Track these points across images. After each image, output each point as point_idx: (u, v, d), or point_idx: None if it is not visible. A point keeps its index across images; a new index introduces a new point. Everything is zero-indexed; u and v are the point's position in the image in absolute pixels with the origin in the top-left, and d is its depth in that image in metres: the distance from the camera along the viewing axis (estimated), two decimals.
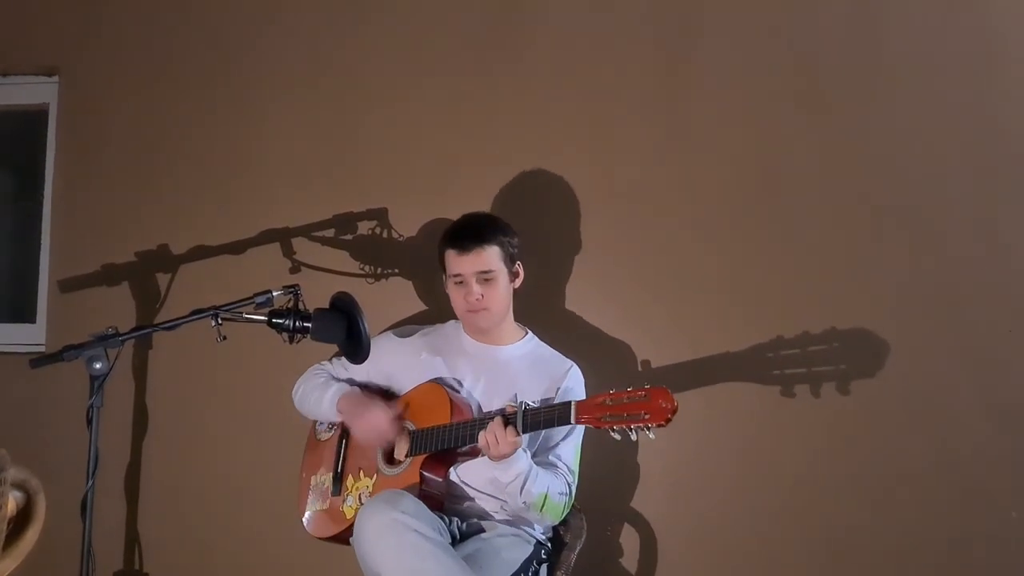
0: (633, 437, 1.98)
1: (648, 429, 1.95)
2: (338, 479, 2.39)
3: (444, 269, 2.37)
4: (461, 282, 2.33)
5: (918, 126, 2.75)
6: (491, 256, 2.31)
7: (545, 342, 2.47)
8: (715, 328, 2.71)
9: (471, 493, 2.28)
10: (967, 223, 2.71)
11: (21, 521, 1.47)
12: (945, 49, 2.78)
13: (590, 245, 2.80)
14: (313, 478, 2.46)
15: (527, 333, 2.47)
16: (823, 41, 2.81)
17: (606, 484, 2.63)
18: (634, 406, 1.97)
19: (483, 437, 2.10)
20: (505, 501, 2.21)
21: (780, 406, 2.60)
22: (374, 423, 2.28)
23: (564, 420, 2.08)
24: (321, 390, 2.43)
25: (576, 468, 2.30)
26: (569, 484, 2.26)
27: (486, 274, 2.31)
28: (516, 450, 2.11)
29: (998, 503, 2.61)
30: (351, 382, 2.46)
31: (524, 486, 2.14)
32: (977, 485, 2.61)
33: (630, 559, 2.69)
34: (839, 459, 2.65)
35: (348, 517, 2.28)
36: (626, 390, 2.00)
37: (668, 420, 1.94)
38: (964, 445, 2.63)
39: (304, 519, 2.44)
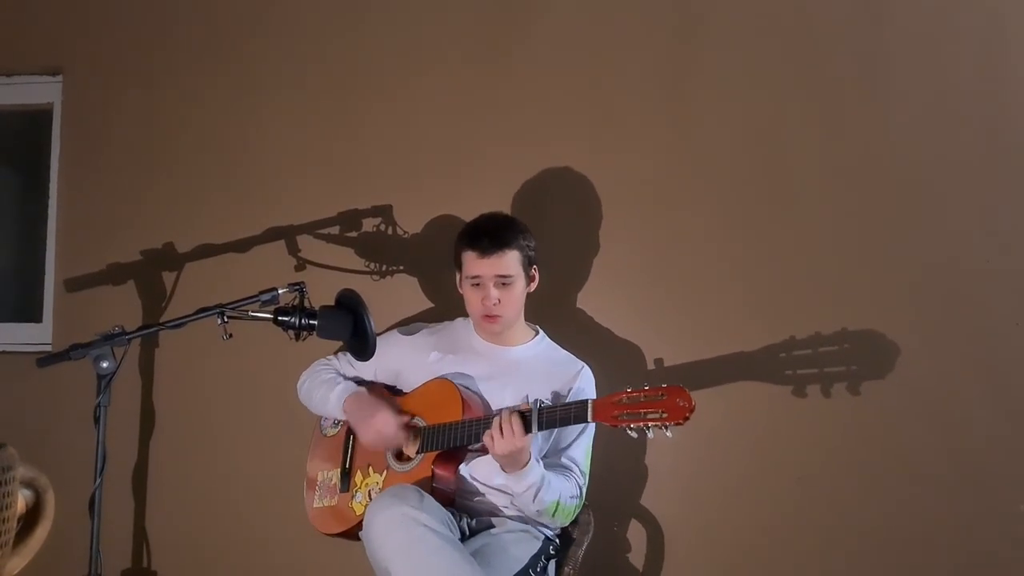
0: (650, 435, 1.98)
1: (665, 428, 1.94)
2: (346, 475, 2.38)
3: (459, 269, 2.36)
4: (478, 284, 2.31)
5: (927, 121, 2.74)
6: (511, 260, 2.30)
7: (556, 340, 2.46)
8: (727, 327, 2.70)
9: (481, 489, 2.27)
10: (975, 219, 2.70)
11: (31, 519, 1.47)
12: (952, 42, 2.76)
13: (601, 242, 2.79)
14: (320, 474, 2.46)
15: (538, 333, 2.46)
16: (834, 34, 2.80)
17: (615, 481, 2.63)
18: (652, 405, 1.96)
19: (488, 433, 2.08)
20: (514, 497, 2.20)
21: (791, 406, 2.59)
22: (381, 428, 2.27)
23: (581, 419, 2.07)
24: (328, 387, 2.42)
25: (587, 470, 2.30)
26: (580, 487, 2.26)
27: (504, 278, 2.29)
28: (523, 452, 2.09)
29: (1008, 498, 2.60)
30: (359, 381, 2.45)
31: (537, 495, 2.14)
32: (988, 480, 2.61)
33: (637, 555, 2.68)
34: (849, 458, 2.65)
35: (357, 513, 2.28)
36: (643, 388, 1.99)
37: (686, 419, 1.92)
38: (974, 441, 2.62)
39: (311, 515, 2.44)
